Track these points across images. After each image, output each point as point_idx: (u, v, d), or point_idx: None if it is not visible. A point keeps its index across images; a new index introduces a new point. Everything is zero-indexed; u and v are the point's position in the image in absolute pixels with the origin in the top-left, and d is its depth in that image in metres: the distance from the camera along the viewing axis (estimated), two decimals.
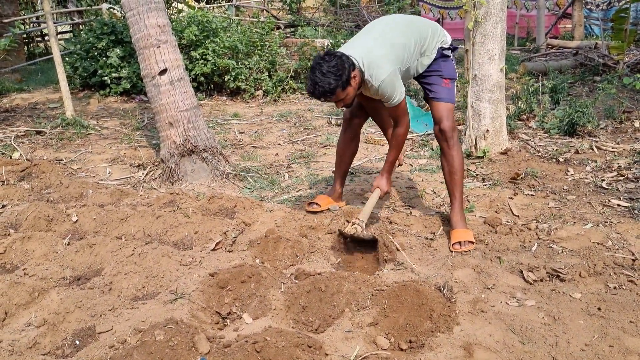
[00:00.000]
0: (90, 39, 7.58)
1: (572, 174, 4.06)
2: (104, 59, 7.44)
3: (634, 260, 2.71)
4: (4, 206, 3.67)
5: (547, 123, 5.33)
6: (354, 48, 2.87)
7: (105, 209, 3.48)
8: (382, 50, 2.85)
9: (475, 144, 4.62)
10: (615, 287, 2.51)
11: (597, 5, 13.11)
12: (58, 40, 7.81)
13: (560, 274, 2.61)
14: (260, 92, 7.60)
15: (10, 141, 5.21)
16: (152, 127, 5.73)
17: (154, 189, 4.08)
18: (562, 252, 2.88)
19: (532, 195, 3.72)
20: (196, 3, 11.35)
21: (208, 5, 12.88)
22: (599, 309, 2.32)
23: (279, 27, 12.73)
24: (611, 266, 2.67)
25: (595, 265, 2.67)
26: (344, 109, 3.36)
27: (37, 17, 12.87)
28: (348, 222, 3.09)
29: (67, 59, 7.89)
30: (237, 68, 7.38)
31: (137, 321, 2.25)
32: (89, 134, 5.62)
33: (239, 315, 2.37)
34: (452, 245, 2.98)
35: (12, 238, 2.99)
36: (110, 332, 2.20)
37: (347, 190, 3.87)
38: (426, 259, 2.86)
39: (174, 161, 4.11)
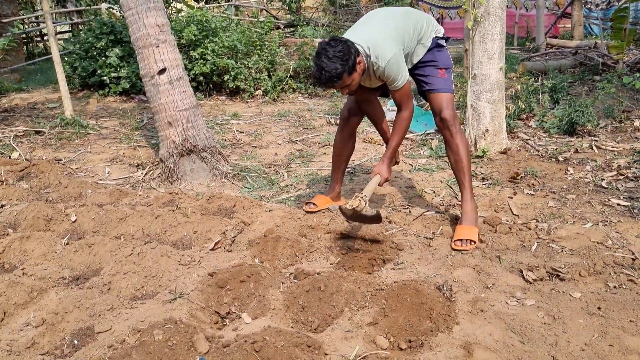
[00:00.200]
0: (90, 38, 7.58)
1: (571, 174, 4.05)
2: (103, 58, 7.43)
3: (633, 259, 2.71)
4: (2, 206, 3.67)
5: (546, 122, 5.33)
6: (355, 35, 2.86)
7: (104, 208, 3.48)
8: (385, 33, 2.86)
9: (475, 143, 4.62)
10: (615, 287, 2.50)
11: (597, 5, 13.11)
12: (57, 40, 7.81)
13: (560, 273, 2.61)
14: (259, 92, 7.59)
15: (9, 141, 5.21)
16: (151, 127, 5.72)
17: (153, 188, 4.07)
18: (562, 251, 2.88)
19: (531, 194, 3.71)
20: (195, 3, 11.35)
21: (207, 5, 12.86)
22: (599, 308, 2.32)
23: (278, 27, 12.72)
24: (611, 265, 2.66)
25: (595, 264, 2.67)
26: (343, 105, 3.35)
27: (37, 17, 12.87)
28: (345, 215, 2.99)
29: (66, 58, 7.88)
30: (237, 68, 7.37)
31: (135, 321, 2.24)
32: (88, 133, 5.62)
33: (238, 315, 2.37)
34: (454, 241, 2.97)
35: (10, 238, 2.99)
36: (109, 332, 2.20)
37: (347, 190, 3.87)
38: (426, 259, 2.86)
39: (173, 161, 4.10)
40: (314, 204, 3.44)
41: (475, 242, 2.96)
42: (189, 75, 6.48)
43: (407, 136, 4.94)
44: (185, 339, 2.01)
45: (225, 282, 2.53)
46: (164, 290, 2.53)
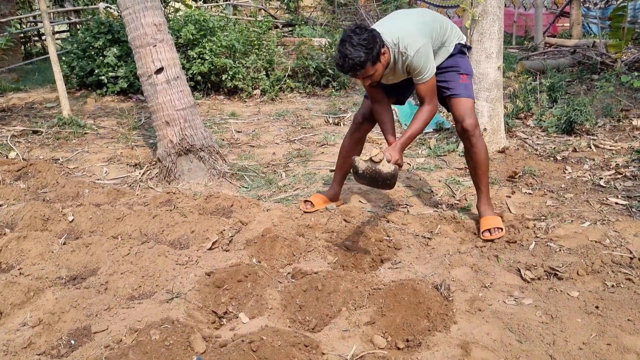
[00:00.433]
0: (87, 38, 7.56)
1: (569, 172, 4.05)
2: (101, 58, 7.41)
3: (631, 258, 2.71)
4: (0, 206, 3.66)
5: (544, 121, 5.33)
6: (383, 27, 2.81)
7: (101, 208, 3.47)
8: (414, 26, 2.83)
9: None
10: (613, 285, 2.50)
11: (595, 4, 13.11)
12: (55, 39, 7.80)
13: (557, 272, 2.61)
14: (257, 91, 7.58)
15: (6, 141, 5.19)
16: (149, 127, 5.71)
17: (151, 188, 4.07)
18: (560, 250, 2.88)
19: (529, 193, 3.71)
20: (193, 2, 11.33)
21: (205, 5, 12.85)
22: (597, 307, 2.32)
23: (276, 26, 12.71)
24: (609, 264, 2.66)
25: (593, 263, 2.67)
26: (357, 110, 3.29)
27: (34, 17, 12.84)
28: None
29: (64, 58, 7.86)
30: (235, 67, 7.36)
31: (132, 321, 2.23)
32: (85, 133, 5.60)
33: (235, 314, 2.36)
34: (482, 233, 3.03)
35: (7, 237, 2.98)
36: (106, 331, 2.19)
37: (345, 190, 3.86)
38: (423, 258, 2.86)
39: (170, 160, 4.09)
40: (311, 203, 3.43)
41: (502, 229, 3.03)
42: (187, 75, 6.47)
43: None
44: (182, 338, 2.01)
45: (222, 282, 2.52)
46: (161, 290, 2.53)
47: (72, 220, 3.33)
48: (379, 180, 2.64)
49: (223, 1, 14.43)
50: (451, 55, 3.01)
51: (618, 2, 8.35)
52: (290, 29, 13.43)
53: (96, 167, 4.62)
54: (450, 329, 2.19)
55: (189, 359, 1.95)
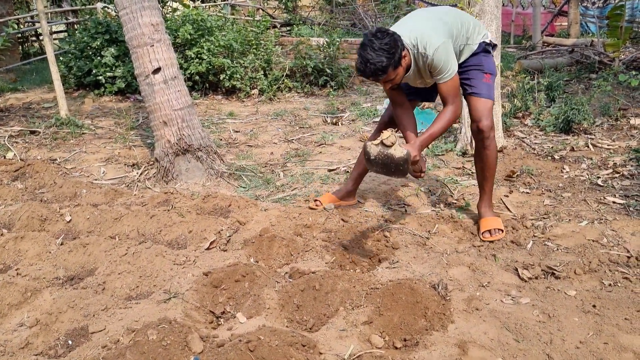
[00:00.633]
0: (85, 38, 7.55)
1: (567, 172, 4.06)
2: (99, 58, 7.40)
3: (629, 257, 2.71)
4: None
5: (542, 121, 5.33)
6: (401, 29, 2.76)
7: (99, 208, 3.46)
8: (433, 26, 2.78)
9: (471, 142, 4.61)
10: (610, 285, 2.50)
11: (593, 3, 13.13)
12: (53, 39, 7.79)
13: (555, 272, 2.61)
14: (255, 91, 7.58)
15: (4, 141, 5.18)
16: (146, 127, 5.70)
17: (148, 188, 4.06)
18: (557, 249, 2.88)
19: (527, 192, 3.71)
20: (191, 2, 11.32)
21: (203, 4, 12.84)
22: (594, 306, 2.32)
23: (274, 26, 12.71)
24: (606, 263, 2.67)
25: (590, 262, 2.67)
26: (384, 110, 3.23)
27: (32, 17, 12.82)
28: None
29: (61, 58, 7.85)
30: (233, 67, 7.36)
31: (130, 321, 2.23)
32: (83, 133, 5.60)
33: (233, 314, 2.36)
34: (482, 234, 3.02)
35: (5, 238, 2.98)
36: (103, 332, 2.19)
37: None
38: (421, 257, 2.86)
39: (168, 160, 4.09)
40: (319, 202, 3.46)
41: (503, 231, 3.03)
42: (184, 75, 6.47)
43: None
44: (179, 338, 2.01)
45: (220, 282, 2.52)
46: (159, 290, 2.52)
47: (70, 220, 3.33)
48: (392, 166, 2.53)
49: (221, 1, 14.41)
50: (475, 54, 2.96)
51: (616, 1, 8.37)
52: (288, 28, 13.43)
53: (94, 167, 4.61)
54: (448, 328, 2.20)
55: (187, 359, 1.95)
